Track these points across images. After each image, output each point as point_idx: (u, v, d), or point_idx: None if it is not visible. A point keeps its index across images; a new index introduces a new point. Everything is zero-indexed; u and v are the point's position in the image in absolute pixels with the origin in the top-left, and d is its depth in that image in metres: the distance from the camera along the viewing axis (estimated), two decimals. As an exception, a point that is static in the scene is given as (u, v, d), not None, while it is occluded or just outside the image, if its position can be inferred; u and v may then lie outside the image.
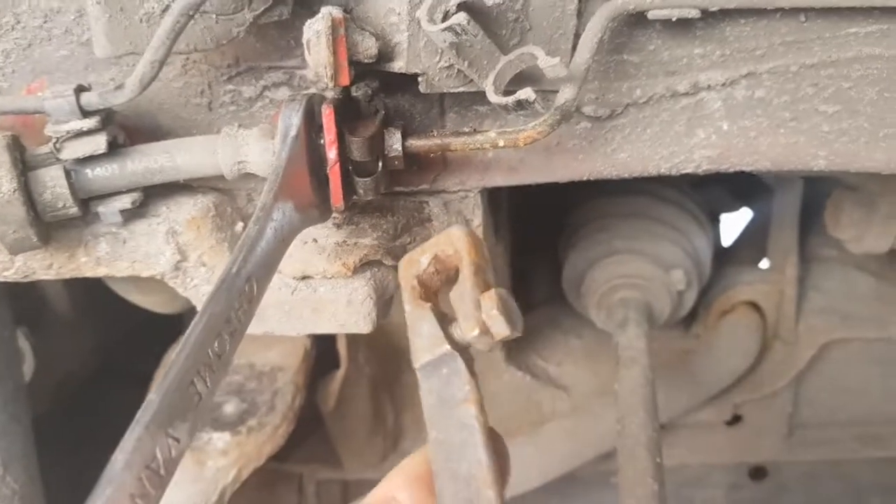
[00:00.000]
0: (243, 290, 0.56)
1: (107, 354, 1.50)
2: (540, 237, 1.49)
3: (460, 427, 0.49)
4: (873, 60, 0.83)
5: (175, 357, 0.49)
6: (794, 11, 0.80)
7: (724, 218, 1.63)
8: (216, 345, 0.52)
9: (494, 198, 1.16)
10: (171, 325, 1.33)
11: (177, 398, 0.48)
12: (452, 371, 0.50)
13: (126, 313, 1.26)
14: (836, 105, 0.85)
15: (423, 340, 0.52)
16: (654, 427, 1.03)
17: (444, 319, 0.52)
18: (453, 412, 0.50)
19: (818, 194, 1.35)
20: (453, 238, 0.54)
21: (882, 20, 0.80)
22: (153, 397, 0.47)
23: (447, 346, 0.51)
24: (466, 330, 0.50)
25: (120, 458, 0.43)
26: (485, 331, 0.50)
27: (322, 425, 1.38)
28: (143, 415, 0.46)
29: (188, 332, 0.51)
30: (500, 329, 0.50)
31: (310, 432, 1.34)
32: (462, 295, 0.51)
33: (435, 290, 0.55)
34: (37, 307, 1.33)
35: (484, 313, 0.50)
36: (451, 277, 0.56)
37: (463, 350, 0.51)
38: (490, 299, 0.50)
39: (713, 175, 1.50)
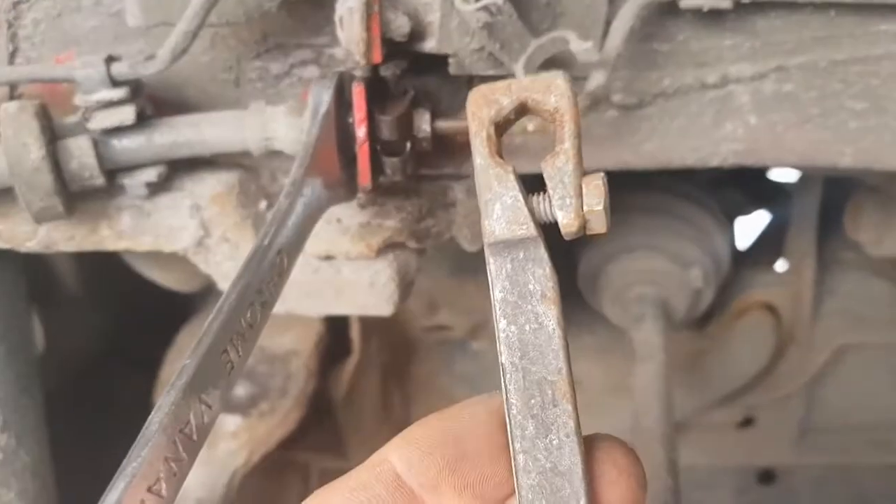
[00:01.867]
0: (274, 261, 0.56)
1: (113, 335, 1.50)
2: (550, 232, 1.49)
3: (538, 326, 0.43)
4: (903, 58, 0.82)
5: (209, 324, 0.48)
6: (825, 6, 0.80)
7: (740, 221, 1.63)
8: (248, 314, 0.52)
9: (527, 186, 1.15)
10: (178, 309, 1.33)
11: (210, 365, 0.47)
12: (533, 259, 0.43)
13: (134, 295, 1.26)
14: (864, 102, 0.85)
15: (501, 212, 0.43)
16: (668, 422, 1.02)
17: (523, 188, 0.43)
18: (530, 307, 0.43)
19: (836, 198, 1.34)
20: (555, 87, 0.43)
21: (913, 18, 0.80)
22: (189, 363, 0.47)
23: (533, 230, 0.42)
24: (563, 219, 0.42)
25: (156, 419, 0.43)
26: (582, 225, 0.43)
27: (329, 414, 1.37)
28: (179, 379, 0.45)
29: (222, 299, 0.50)
30: (599, 227, 0.43)
31: (317, 420, 1.33)
32: (562, 173, 0.42)
33: (501, 138, 0.45)
34: (47, 283, 1.33)
35: (587, 205, 0.42)
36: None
37: (543, 232, 0.43)
38: (597, 189, 0.42)
39: (731, 176, 1.51)
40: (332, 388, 1.31)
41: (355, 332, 1.24)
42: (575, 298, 1.44)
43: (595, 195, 0.42)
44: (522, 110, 0.44)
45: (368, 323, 1.26)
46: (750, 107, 0.86)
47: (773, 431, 1.47)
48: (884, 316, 1.39)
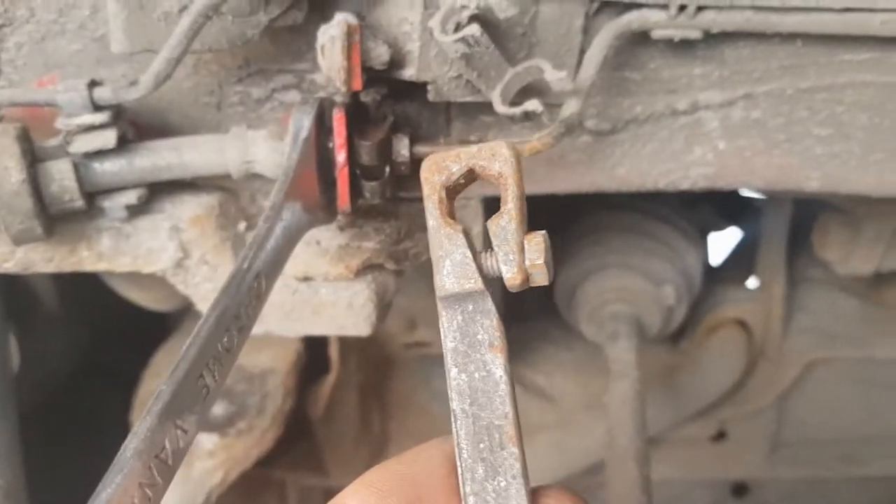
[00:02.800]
0: (252, 286, 0.57)
1: (90, 354, 1.50)
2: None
3: (486, 374, 0.45)
4: (866, 87, 0.85)
5: (186, 349, 0.49)
6: (792, 37, 0.83)
7: (713, 237, 1.66)
8: (225, 339, 0.53)
9: (491, 208, 1.17)
10: (155, 325, 1.33)
11: (186, 389, 0.48)
12: (481, 311, 0.45)
13: (112, 312, 1.26)
14: (830, 128, 0.88)
15: (451, 268, 0.46)
16: (642, 439, 1.04)
17: (472, 245, 0.47)
18: (479, 355, 0.45)
19: (806, 216, 1.38)
20: (499, 155, 0.47)
21: (875, 48, 0.83)
22: (164, 388, 0.47)
23: (480, 284, 0.45)
24: (507, 273, 0.45)
25: (131, 445, 0.44)
26: (525, 279, 0.45)
27: (308, 432, 1.38)
28: (155, 404, 0.46)
29: (199, 324, 0.51)
30: (541, 280, 0.46)
31: (295, 438, 1.34)
32: (505, 231, 0.45)
33: (453, 200, 0.48)
34: (24, 303, 1.32)
35: (528, 260, 0.45)
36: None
37: (489, 285, 0.46)
38: (538, 246, 0.45)
39: (704, 194, 1.54)
40: (311, 406, 1.31)
41: (334, 351, 1.25)
42: (552, 316, 1.46)
43: (536, 251, 0.45)
44: (471, 175, 0.48)
45: (347, 341, 1.27)
46: (719, 132, 0.88)
47: (745, 445, 1.49)
48: (853, 332, 1.42)
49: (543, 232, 0.46)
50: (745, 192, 1.65)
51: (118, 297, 1.06)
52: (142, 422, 0.46)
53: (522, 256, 0.45)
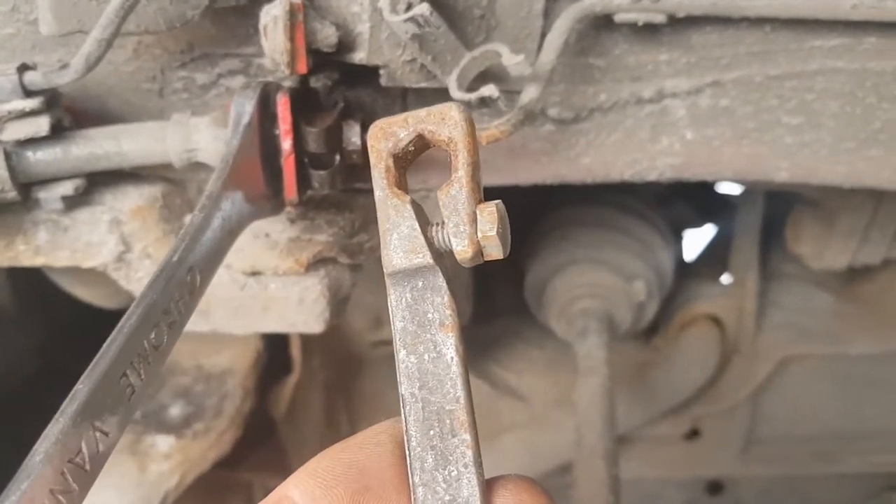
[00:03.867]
0: (185, 279, 0.53)
1: (50, 353, 1.45)
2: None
3: (436, 355, 0.42)
4: (836, 73, 0.83)
5: (106, 346, 0.46)
6: (760, 22, 0.80)
7: (688, 233, 1.64)
8: (153, 335, 0.49)
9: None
10: (113, 321, 1.29)
11: (107, 389, 0.45)
12: (431, 287, 0.43)
13: (71, 309, 1.21)
14: (800, 117, 0.85)
15: (399, 242, 0.43)
16: (611, 438, 1.02)
17: (422, 216, 0.44)
18: (428, 335, 0.42)
19: (780, 212, 1.36)
20: (449, 118, 0.43)
21: (845, 34, 0.81)
22: (81, 387, 0.44)
23: (429, 258, 0.42)
24: (457, 246, 0.42)
25: (40, 449, 0.40)
26: (477, 251, 0.42)
27: (274, 432, 1.34)
28: (69, 405, 0.43)
29: (123, 320, 0.48)
30: (496, 253, 0.43)
31: (261, 439, 1.30)
32: (455, 200, 0.42)
33: (403, 170, 0.45)
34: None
35: (480, 231, 0.42)
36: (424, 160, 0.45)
37: (441, 260, 0.43)
38: (490, 216, 0.42)
39: (678, 189, 1.52)
40: (273, 406, 1.27)
41: (295, 350, 1.21)
42: (523, 313, 1.43)
43: (489, 221, 0.42)
44: (421, 142, 0.44)
45: (310, 339, 1.24)
46: (686, 121, 0.86)
47: (719, 443, 1.47)
48: (826, 328, 1.40)
49: (498, 201, 0.43)
50: (720, 188, 1.64)
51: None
52: (53, 424, 0.43)
53: (474, 228, 0.42)
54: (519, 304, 1.45)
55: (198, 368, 1.12)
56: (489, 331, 1.49)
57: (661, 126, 0.85)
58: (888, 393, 1.44)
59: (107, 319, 1.22)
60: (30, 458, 0.41)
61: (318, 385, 1.31)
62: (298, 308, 0.75)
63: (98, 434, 0.44)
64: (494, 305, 1.56)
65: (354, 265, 0.81)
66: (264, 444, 1.38)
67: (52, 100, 0.70)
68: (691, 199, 1.61)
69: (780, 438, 1.49)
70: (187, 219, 0.78)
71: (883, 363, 1.41)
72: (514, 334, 1.50)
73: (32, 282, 1.25)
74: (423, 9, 0.64)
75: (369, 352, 1.39)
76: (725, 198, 1.63)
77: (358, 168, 0.76)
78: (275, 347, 1.22)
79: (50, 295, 1.14)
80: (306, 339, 1.22)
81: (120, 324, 0.48)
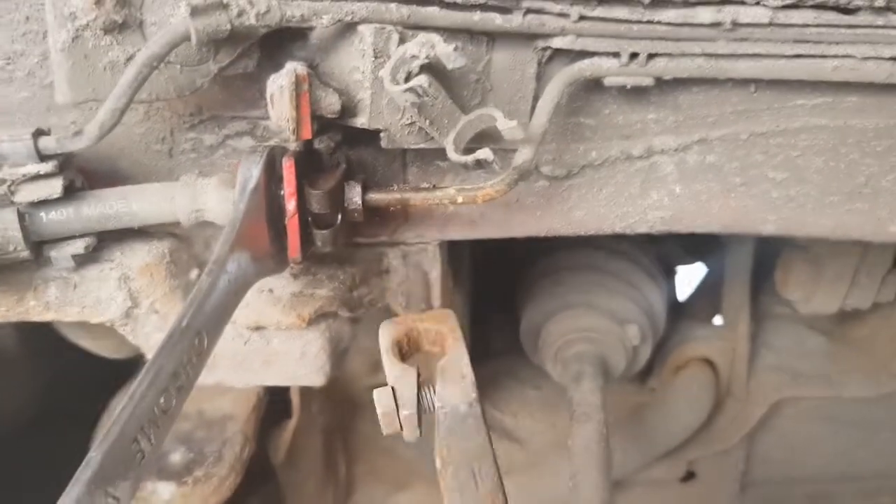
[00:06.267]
0: (193, 343, 0.55)
1: (51, 397, 1.46)
2: (501, 288, 1.50)
3: None
4: (820, 131, 0.86)
5: (118, 413, 0.48)
6: (745, 82, 0.83)
7: (680, 271, 1.66)
8: (162, 400, 0.51)
9: (455, 248, 1.17)
10: (118, 368, 1.30)
11: (118, 455, 0.47)
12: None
13: (72, 356, 1.23)
14: (785, 172, 0.89)
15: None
16: (606, 486, 1.03)
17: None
18: None
19: (771, 253, 1.39)
20: (442, 319, 0.66)
21: (828, 93, 0.84)
22: (94, 455, 0.46)
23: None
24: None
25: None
26: None
27: (272, 476, 1.35)
28: (83, 473, 0.44)
29: (134, 386, 0.50)
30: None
31: (259, 483, 1.31)
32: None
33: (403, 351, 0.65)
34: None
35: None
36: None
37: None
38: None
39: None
40: (273, 451, 1.29)
41: (295, 395, 1.23)
42: (520, 353, 1.45)
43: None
44: (416, 334, 0.67)
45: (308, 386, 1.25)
46: (675, 177, 0.89)
47: (714, 485, 1.48)
48: (819, 370, 1.42)
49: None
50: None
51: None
52: (69, 491, 0.45)
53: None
54: (514, 345, 1.47)
55: (199, 414, 1.14)
56: (485, 371, 1.51)
57: (650, 181, 0.89)
58: (881, 435, 1.45)
59: (108, 365, 1.24)
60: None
61: (317, 429, 1.32)
62: (300, 362, 0.77)
63: (110, 500, 0.46)
64: (491, 346, 1.57)
65: (354, 318, 0.84)
66: (263, 487, 1.38)
67: (65, 163, 0.72)
68: (682, 239, 1.64)
69: (776, 480, 1.50)
70: (193, 274, 0.81)
71: (876, 405, 1.42)
72: (510, 374, 1.51)
73: (35, 329, 1.27)
74: (422, 80, 0.67)
75: (366, 395, 1.40)
76: (715, 237, 1.66)
77: (359, 224, 0.79)
78: (274, 392, 1.23)
79: (53, 340, 1.16)
80: (305, 386, 1.24)
81: (131, 390, 0.50)
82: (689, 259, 1.67)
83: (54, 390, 1.47)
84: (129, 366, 1.32)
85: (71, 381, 1.45)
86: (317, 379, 0.78)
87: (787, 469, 1.48)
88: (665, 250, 1.53)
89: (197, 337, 0.56)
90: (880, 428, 1.45)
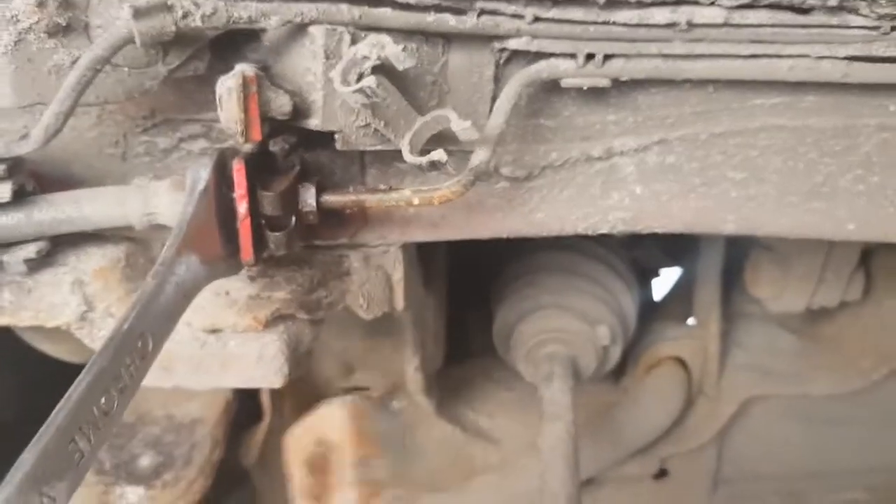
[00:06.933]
0: (136, 346, 0.55)
1: (25, 401, 1.45)
2: (478, 289, 1.51)
3: None
4: (778, 130, 0.86)
5: (54, 414, 0.48)
6: (703, 83, 0.84)
7: (656, 274, 1.67)
8: (103, 401, 0.51)
9: (427, 249, 1.17)
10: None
11: (54, 456, 0.46)
12: None
13: (43, 361, 1.22)
14: (744, 172, 0.89)
15: None
16: (575, 483, 1.03)
17: None
18: None
19: (741, 253, 1.39)
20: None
21: (785, 93, 0.84)
22: (27, 456, 0.45)
23: None
24: None
25: (-16, 521, 0.42)
26: None
27: (246, 480, 1.35)
28: (15, 474, 0.44)
29: (72, 388, 0.50)
30: None
31: (231, 486, 1.31)
32: None
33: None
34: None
35: None
36: None
37: None
38: None
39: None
40: (244, 454, 1.28)
41: (265, 397, 1.23)
42: (495, 355, 1.45)
43: None
44: None
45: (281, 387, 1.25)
46: (635, 177, 0.89)
47: (687, 483, 1.49)
48: (789, 368, 1.43)
49: None
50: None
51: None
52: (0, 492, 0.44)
53: None
54: (491, 346, 1.47)
55: (168, 418, 1.14)
56: (461, 372, 1.51)
57: (611, 182, 0.89)
58: (850, 431, 1.46)
59: (77, 371, 1.23)
60: (-25, 530, 0.42)
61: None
62: (257, 364, 0.77)
63: (45, 499, 0.46)
64: (468, 348, 1.58)
65: (314, 320, 0.83)
66: (236, 491, 1.38)
67: (14, 167, 0.72)
68: (657, 240, 1.64)
69: (747, 477, 1.51)
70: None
71: (844, 402, 1.43)
72: (486, 376, 1.52)
73: (2, 335, 1.26)
74: (371, 81, 0.67)
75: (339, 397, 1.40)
76: (691, 240, 1.67)
77: (316, 227, 0.79)
78: (245, 394, 1.23)
79: (21, 347, 1.15)
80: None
81: (68, 392, 0.50)
82: (667, 262, 1.68)
83: (28, 395, 1.45)
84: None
85: (46, 387, 1.44)
86: (275, 381, 0.78)
87: (758, 466, 1.49)
88: (642, 253, 1.54)
89: (140, 339, 0.55)
90: (850, 424, 1.46)
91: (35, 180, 0.75)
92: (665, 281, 1.69)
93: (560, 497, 1.01)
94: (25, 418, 1.43)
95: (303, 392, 1.32)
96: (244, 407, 1.25)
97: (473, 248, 1.47)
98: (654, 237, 1.58)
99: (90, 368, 0.52)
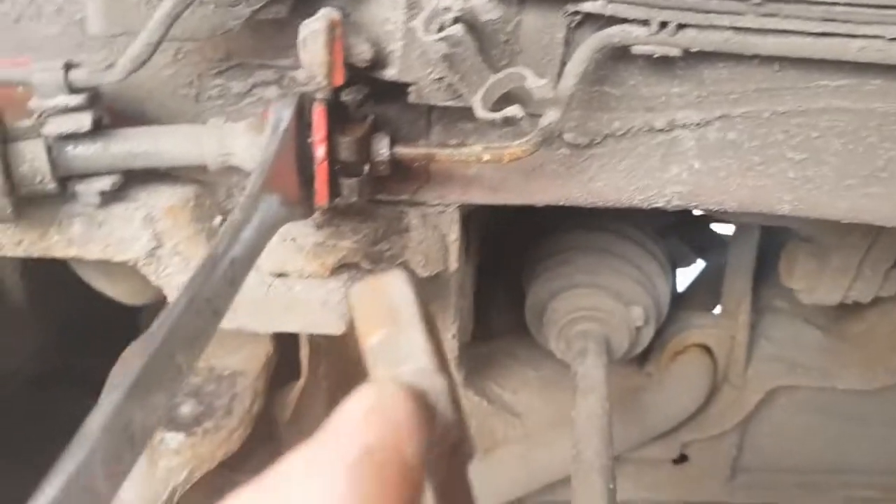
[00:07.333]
0: (227, 271, 0.56)
1: (60, 356, 1.45)
2: (501, 267, 1.51)
3: None
4: (841, 113, 0.87)
5: (158, 325, 0.48)
6: (770, 60, 0.84)
7: (682, 268, 1.68)
8: (199, 321, 0.52)
9: (471, 219, 1.17)
10: (129, 328, 1.30)
11: (158, 368, 0.47)
12: None
13: (83, 313, 1.23)
14: (804, 153, 0.89)
15: None
16: (608, 455, 1.04)
17: None
18: None
19: (773, 248, 1.40)
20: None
21: (852, 75, 0.85)
22: (136, 365, 0.46)
23: None
24: None
25: (97, 420, 0.42)
26: None
27: (274, 437, 1.35)
28: (124, 380, 0.45)
29: (172, 303, 0.50)
30: None
31: (261, 442, 1.31)
32: None
33: None
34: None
35: None
36: None
37: None
38: None
39: (675, 225, 1.55)
40: (278, 411, 1.29)
41: (304, 357, 1.24)
42: (520, 334, 1.46)
43: None
44: None
45: (316, 347, 1.26)
46: (695, 152, 0.89)
47: (706, 469, 1.50)
48: (814, 362, 1.44)
49: None
50: (715, 227, 1.68)
51: (89, 297, 1.04)
52: (107, 395, 0.45)
53: None
54: (514, 326, 1.47)
55: (209, 370, 1.14)
56: (486, 350, 1.52)
57: (670, 155, 0.89)
58: (872, 428, 1.47)
59: (118, 326, 1.24)
60: (86, 428, 0.43)
61: (322, 392, 1.33)
62: (321, 309, 0.78)
63: (148, 410, 0.46)
64: (491, 327, 1.58)
65: (374, 271, 0.84)
66: (264, 448, 1.39)
67: (94, 98, 0.72)
68: (684, 237, 1.65)
69: (766, 468, 1.52)
70: (216, 221, 0.81)
71: (869, 399, 1.44)
72: (510, 355, 1.52)
73: (45, 282, 1.27)
74: (457, 29, 0.67)
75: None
76: (717, 235, 1.68)
77: (383, 180, 0.80)
78: (282, 352, 1.24)
79: (62, 297, 1.16)
80: (314, 347, 1.24)
81: (169, 308, 0.50)
82: (692, 257, 1.68)
83: (63, 350, 1.46)
84: (138, 322, 1.33)
85: (81, 342, 1.45)
86: (337, 327, 0.79)
87: (779, 457, 1.50)
88: (669, 247, 1.54)
89: (231, 266, 0.56)
90: (872, 422, 1.47)
91: (110, 116, 0.76)
92: (688, 273, 1.70)
93: (595, 466, 1.01)
94: (58, 374, 1.44)
95: (337, 354, 1.33)
96: (279, 365, 1.26)
97: (504, 225, 1.48)
98: (681, 231, 1.61)
99: (188, 288, 0.52)
